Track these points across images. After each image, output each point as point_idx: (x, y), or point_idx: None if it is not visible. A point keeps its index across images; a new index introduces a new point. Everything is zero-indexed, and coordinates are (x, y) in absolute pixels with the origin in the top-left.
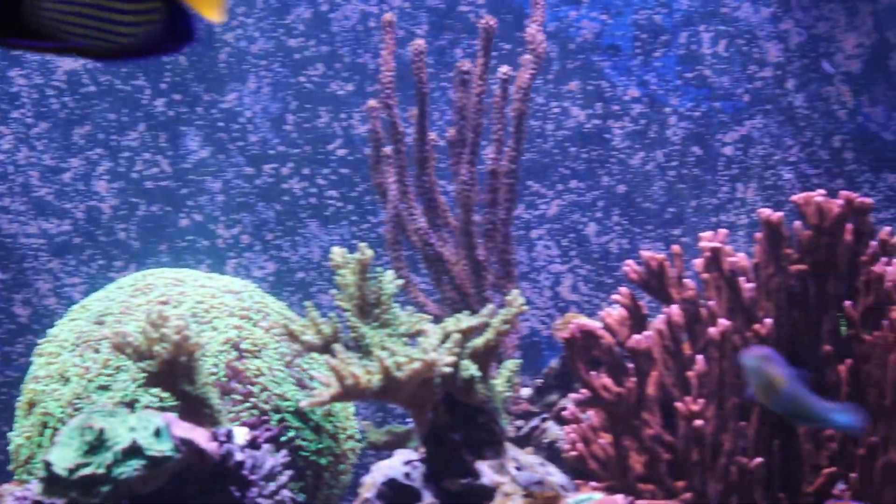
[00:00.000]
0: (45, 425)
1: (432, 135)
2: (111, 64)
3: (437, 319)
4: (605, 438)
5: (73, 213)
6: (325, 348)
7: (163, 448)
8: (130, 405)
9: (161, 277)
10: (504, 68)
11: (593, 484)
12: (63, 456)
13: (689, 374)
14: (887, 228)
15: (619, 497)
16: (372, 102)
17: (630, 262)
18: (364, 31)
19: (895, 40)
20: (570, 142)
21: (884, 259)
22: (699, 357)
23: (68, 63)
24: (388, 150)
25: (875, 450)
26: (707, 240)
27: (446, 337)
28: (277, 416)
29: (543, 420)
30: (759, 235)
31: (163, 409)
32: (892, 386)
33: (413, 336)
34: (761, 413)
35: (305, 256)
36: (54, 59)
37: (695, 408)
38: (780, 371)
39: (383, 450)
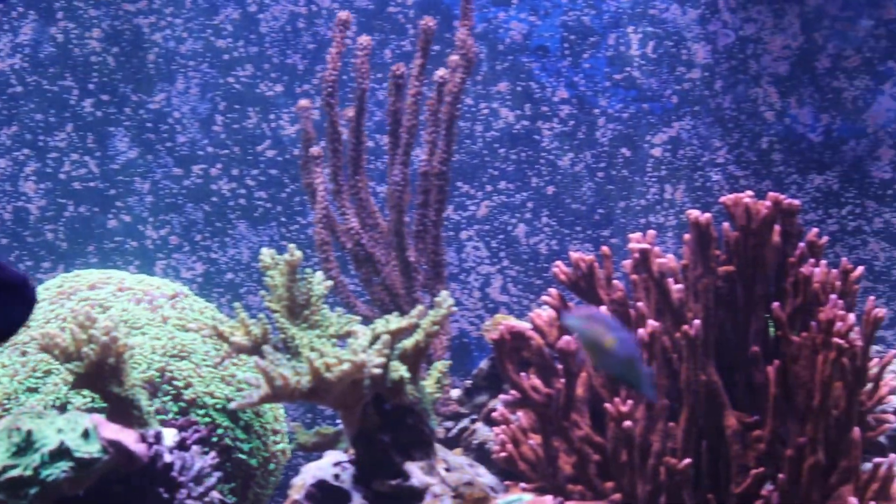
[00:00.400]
0: None
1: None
2: None
3: (367, 320)
4: (535, 439)
5: (0, 214)
6: (255, 349)
7: (91, 450)
8: (62, 408)
9: (89, 279)
10: (441, 71)
11: (523, 485)
12: None
13: None
14: (815, 230)
15: (549, 498)
16: (303, 102)
17: (559, 263)
18: (293, 31)
19: (822, 42)
20: (500, 143)
21: (811, 260)
22: None
23: None
24: (317, 150)
25: (803, 451)
26: (636, 241)
27: (376, 338)
28: (206, 418)
29: (473, 421)
30: (687, 237)
31: (93, 410)
32: (820, 387)
33: (342, 337)
34: (690, 414)
35: (234, 257)
36: None
37: (623, 409)
38: (607, 331)
39: (312, 451)
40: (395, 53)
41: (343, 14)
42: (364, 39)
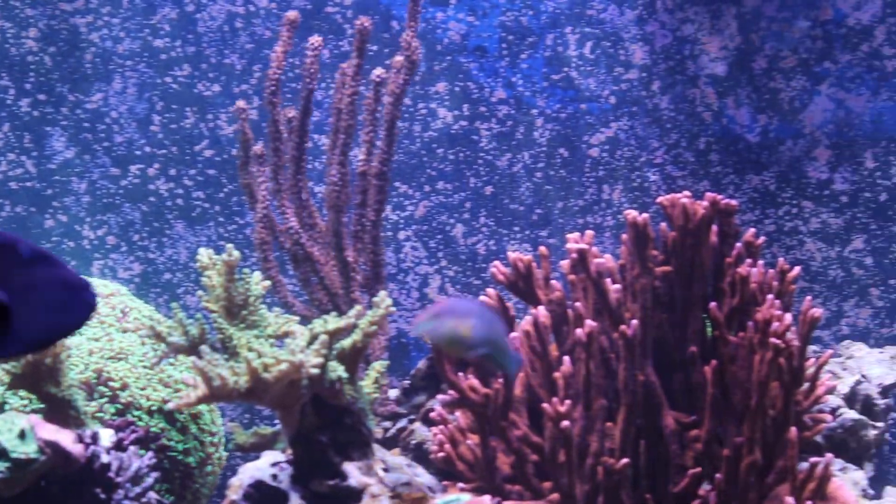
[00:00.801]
0: None
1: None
2: None
3: (305, 320)
4: (473, 440)
5: None
6: (192, 350)
7: (27, 450)
8: None
9: None
10: (378, 71)
11: (461, 485)
12: None
13: (556, 375)
14: (752, 230)
15: (487, 498)
16: (240, 103)
17: (497, 263)
18: (230, 31)
19: (759, 43)
20: (438, 143)
21: (748, 260)
22: (566, 358)
23: None
24: (259, 149)
25: (740, 450)
26: (574, 241)
27: (314, 338)
28: (144, 418)
29: (411, 421)
30: (625, 237)
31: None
32: (757, 387)
33: (281, 337)
34: (627, 414)
35: (172, 258)
36: None
37: (562, 409)
38: (460, 320)
39: (250, 451)
40: (333, 54)
41: (291, 14)
42: (315, 40)
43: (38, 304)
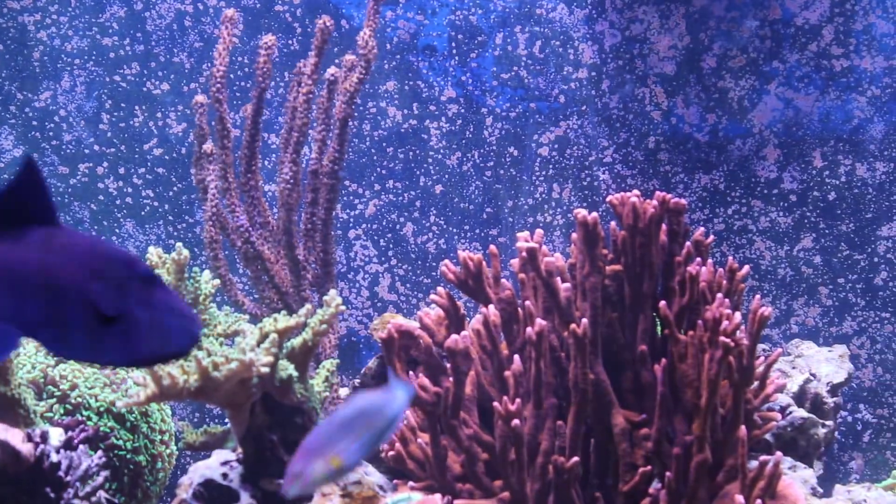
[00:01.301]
0: None
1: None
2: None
3: (256, 319)
4: (423, 438)
5: None
6: None
7: None
8: None
9: None
10: (332, 70)
11: (412, 484)
12: None
13: (507, 373)
14: (701, 229)
15: (437, 497)
16: (199, 98)
17: (447, 262)
18: (179, 30)
19: (708, 42)
20: (387, 142)
21: (698, 259)
22: (516, 357)
23: None
24: (210, 146)
25: (690, 449)
26: (524, 240)
27: (264, 337)
28: (93, 417)
29: None
30: (575, 236)
31: None
32: (707, 385)
33: (230, 336)
34: (578, 413)
35: None
36: None
37: (512, 407)
38: (332, 456)
39: (200, 450)
40: (282, 53)
41: (229, 11)
42: (268, 39)
43: (151, 323)
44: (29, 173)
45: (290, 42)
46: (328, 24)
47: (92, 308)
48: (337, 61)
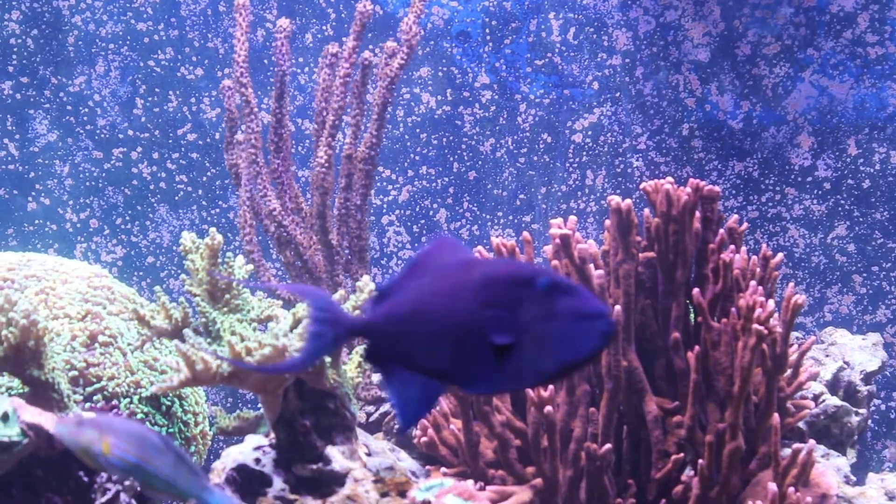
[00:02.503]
0: None
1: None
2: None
3: (289, 304)
4: (456, 424)
5: None
6: (175, 333)
7: (10, 433)
8: None
9: (7, 261)
10: (367, 54)
11: (444, 470)
12: None
13: None
14: (735, 216)
15: (470, 483)
16: (227, 82)
17: (480, 248)
18: (213, 15)
19: (742, 29)
20: (421, 128)
21: (731, 247)
22: None
23: None
24: (241, 135)
25: (723, 437)
26: (557, 227)
27: (297, 322)
28: (126, 401)
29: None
30: (608, 223)
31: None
32: (740, 373)
33: (264, 321)
34: (610, 400)
35: (155, 241)
36: None
37: (545, 394)
38: (103, 434)
39: (233, 435)
40: (316, 38)
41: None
42: (283, 23)
43: (550, 338)
44: None
45: (323, 28)
46: (368, 8)
47: (488, 339)
48: (371, 47)
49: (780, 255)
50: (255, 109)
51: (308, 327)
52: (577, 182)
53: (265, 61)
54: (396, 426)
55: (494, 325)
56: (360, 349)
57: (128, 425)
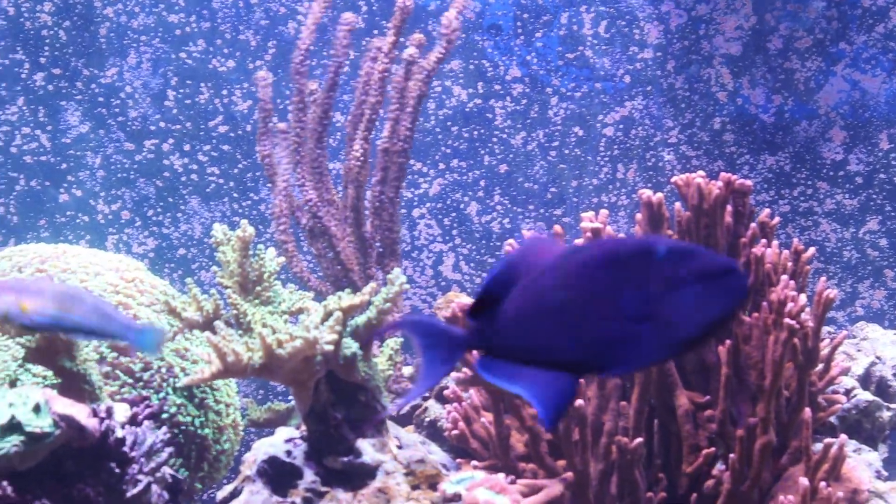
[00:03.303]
0: None
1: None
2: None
3: (320, 296)
4: (487, 417)
5: None
6: (207, 325)
7: (42, 424)
8: (11, 384)
9: (42, 252)
10: (411, 50)
11: (475, 463)
12: None
13: None
14: (766, 210)
15: (501, 476)
16: (261, 73)
17: (512, 241)
18: (245, 7)
19: (774, 23)
20: (452, 121)
21: (763, 241)
22: None
23: None
24: (283, 125)
25: (754, 431)
26: (588, 220)
27: (328, 315)
28: (159, 393)
29: (425, 399)
30: (639, 216)
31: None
32: (771, 367)
33: (295, 314)
34: (641, 394)
35: (186, 233)
36: None
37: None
38: (20, 297)
39: (264, 427)
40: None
41: None
42: (349, 15)
43: (685, 305)
44: None
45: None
46: (408, 3)
47: (622, 318)
48: (403, 39)
49: (811, 250)
50: (307, 100)
51: (421, 356)
52: (608, 175)
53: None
54: (428, 419)
55: (628, 304)
56: (391, 342)
57: (41, 284)
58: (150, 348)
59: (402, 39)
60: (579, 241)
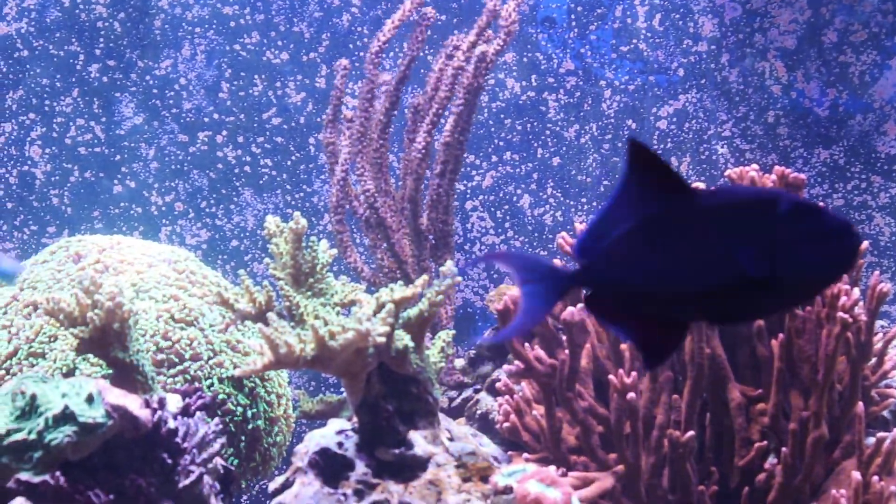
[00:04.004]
0: None
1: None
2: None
3: (372, 287)
4: (538, 410)
5: (6, 179)
6: (259, 317)
7: (95, 414)
8: (67, 374)
9: (96, 244)
10: (482, 47)
11: (526, 455)
12: None
13: (623, 347)
14: (821, 204)
15: (552, 469)
16: (343, 61)
17: (564, 234)
18: (300, 0)
19: (829, 16)
20: (505, 114)
21: None
22: None
23: (1, 27)
24: (349, 112)
25: (806, 425)
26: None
27: (380, 307)
28: (211, 384)
29: (476, 391)
30: None
31: (105, 378)
32: (824, 361)
33: (347, 305)
34: (693, 387)
35: (239, 225)
36: None
37: (628, 381)
38: None
39: (316, 419)
40: (404, 25)
41: None
42: (429, 11)
43: (795, 262)
44: (639, 153)
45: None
46: (496, 6)
47: (737, 270)
48: (456, 32)
49: (865, 244)
50: (376, 91)
51: (521, 291)
52: None
53: (350, 45)
54: (479, 411)
55: (744, 256)
56: (442, 334)
57: None
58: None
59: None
60: (699, 185)
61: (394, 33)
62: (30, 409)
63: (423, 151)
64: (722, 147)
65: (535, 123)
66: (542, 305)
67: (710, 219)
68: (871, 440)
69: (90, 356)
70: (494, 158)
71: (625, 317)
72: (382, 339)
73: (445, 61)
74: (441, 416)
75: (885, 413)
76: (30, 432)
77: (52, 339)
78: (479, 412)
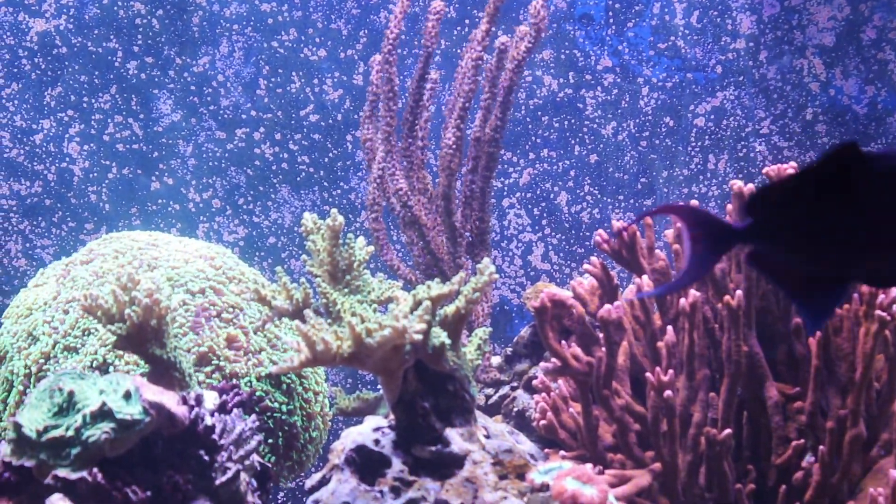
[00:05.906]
0: (10, 383)
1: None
2: None
3: (409, 285)
4: (575, 408)
5: (45, 176)
6: (296, 314)
7: (132, 411)
8: (101, 369)
9: (134, 240)
10: (503, 38)
11: (563, 453)
12: (32, 417)
13: (659, 344)
14: None
15: (589, 466)
16: (378, 56)
17: (601, 231)
18: None
19: (868, 13)
20: (543, 111)
21: None
22: (669, 328)
23: (40, 24)
24: (382, 107)
25: (844, 423)
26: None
27: (417, 304)
28: (246, 379)
29: (513, 389)
30: (730, 207)
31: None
32: (862, 359)
33: (384, 303)
34: (730, 385)
35: (276, 221)
36: (25, 20)
37: (665, 378)
38: None
39: (352, 416)
40: (451, 22)
41: None
42: (438, 4)
43: None
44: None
45: (447, 10)
46: None
47: None
48: (495, 30)
49: None
50: (397, 88)
51: (686, 243)
52: (698, 166)
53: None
54: (516, 409)
55: None
56: (479, 331)
57: None
58: None
59: (497, 30)
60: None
61: (401, 28)
62: (67, 405)
63: (453, 147)
64: (760, 145)
65: (573, 121)
66: (709, 256)
67: (881, 182)
68: None
69: (125, 353)
70: (532, 156)
71: (787, 274)
72: (419, 337)
73: (465, 53)
74: (478, 413)
75: None
76: (67, 429)
77: (84, 333)
78: (515, 409)
